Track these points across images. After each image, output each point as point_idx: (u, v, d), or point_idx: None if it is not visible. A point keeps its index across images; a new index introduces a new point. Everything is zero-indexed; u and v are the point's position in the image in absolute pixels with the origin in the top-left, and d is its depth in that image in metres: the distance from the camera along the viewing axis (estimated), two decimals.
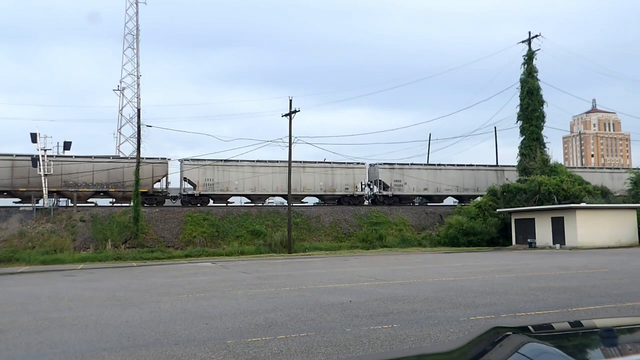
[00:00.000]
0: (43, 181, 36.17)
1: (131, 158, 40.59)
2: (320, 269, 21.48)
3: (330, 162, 43.63)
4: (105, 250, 33.58)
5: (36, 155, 36.07)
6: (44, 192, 36.32)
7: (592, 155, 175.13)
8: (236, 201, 44.16)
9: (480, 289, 12.94)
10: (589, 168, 59.68)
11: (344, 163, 43.96)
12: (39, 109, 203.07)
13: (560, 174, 41.93)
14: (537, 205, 38.02)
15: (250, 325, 8.84)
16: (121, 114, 60.97)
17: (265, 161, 42.02)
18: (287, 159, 37.33)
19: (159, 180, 40.03)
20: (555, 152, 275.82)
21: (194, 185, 40.46)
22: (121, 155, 37.15)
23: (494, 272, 17.85)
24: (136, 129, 37.91)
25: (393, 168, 44.93)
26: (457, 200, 47.42)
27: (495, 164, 51.13)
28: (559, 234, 34.88)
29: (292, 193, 38.36)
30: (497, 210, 40.04)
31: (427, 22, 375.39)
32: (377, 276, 17.26)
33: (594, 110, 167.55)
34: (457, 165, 47.71)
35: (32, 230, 34.80)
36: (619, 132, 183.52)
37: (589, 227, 34.04)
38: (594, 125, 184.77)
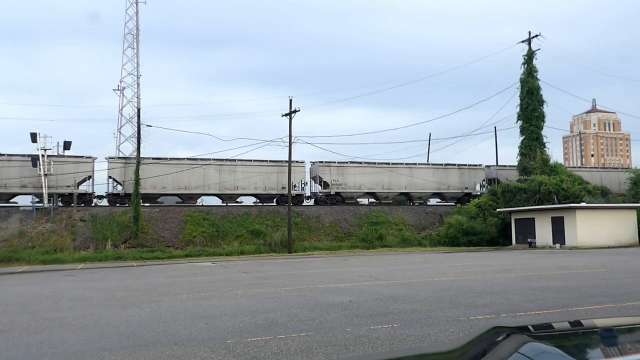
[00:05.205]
0: (43, 181, 36.16)
1: (278, 161, 41.78)
2: (320, 269, 21.46)
3: (453, 164, 46.97)
4: (105, 250, 33.56)
5: (36, 155, 36.08)
6: (45, 192, 36.32)
7: (592, 155, 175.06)
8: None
9: (480, 288, 12.94)
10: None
11: (466, 165, 47.25)
12: (39, 109, 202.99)
13: (560, 173, 41.96)
14: (537, 205, 38.01)
15: (250, 325, 8.84)
16: (121, 114, 60.94)
17: (388, 163, 45.11)
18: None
19: (297, 182, 42.60)
20: (555, 152, 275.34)
21: (327, 185, 42.53)
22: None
23: (494, 271, 17.85)
24: (136, 129, 37.95)
25: (505, 169, 48.16)
26: None
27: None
28: (559, 233, 34.88)
29: (414, 191, 45.19)
30: (497, 210, 40.04)
31: (427, 22, 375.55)
32: (377, 276, 17.26)
33: (594, 110, 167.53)
34: None
35: (32, 230, 34.79)
36: (619, 132, 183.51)
37: (589, 227, 34.03)
38: (594, 125, 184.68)
